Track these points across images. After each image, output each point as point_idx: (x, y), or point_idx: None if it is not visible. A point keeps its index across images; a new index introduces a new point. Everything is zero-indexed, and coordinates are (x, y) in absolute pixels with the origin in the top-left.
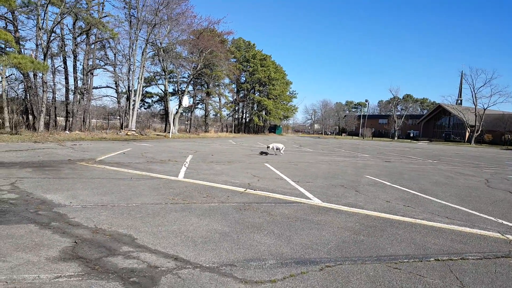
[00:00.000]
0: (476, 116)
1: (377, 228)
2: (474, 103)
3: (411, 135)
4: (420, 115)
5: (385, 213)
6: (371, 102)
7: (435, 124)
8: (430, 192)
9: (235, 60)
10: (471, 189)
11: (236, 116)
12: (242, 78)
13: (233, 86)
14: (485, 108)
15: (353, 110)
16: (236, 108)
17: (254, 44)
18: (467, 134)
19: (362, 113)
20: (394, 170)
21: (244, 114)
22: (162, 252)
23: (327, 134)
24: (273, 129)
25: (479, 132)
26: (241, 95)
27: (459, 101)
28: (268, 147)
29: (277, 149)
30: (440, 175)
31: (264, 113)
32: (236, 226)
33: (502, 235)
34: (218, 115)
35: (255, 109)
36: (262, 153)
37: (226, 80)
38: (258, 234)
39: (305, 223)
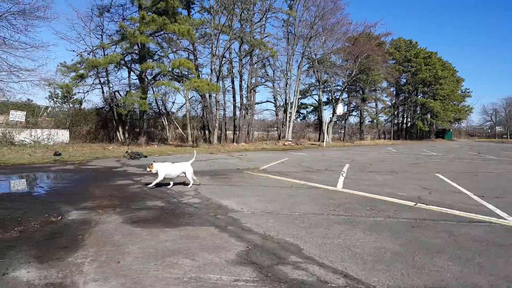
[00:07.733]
0: None
1: None
2: None
3: None
4: None
5: None
6: None
7: None
8: None
9: (393, 61)
10: None
11: (395, 121)
12: (402, 79)
13: (392, 89)
14: None
15: None
16: (395, 112)
17: (416, 43)
18: None
19: None
20: None
21: (405, 119)
22: (329, 266)
23: None
24: (441, 134)
25: None
26: (401, 98)
27: None
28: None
29: None
30: None
31: (429, 117)
32: (409, 245)
33: None
34: (375, 121)
35: (418, 112)
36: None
37: (384, 84)
38: (439, 257)
39: (502, 249)
